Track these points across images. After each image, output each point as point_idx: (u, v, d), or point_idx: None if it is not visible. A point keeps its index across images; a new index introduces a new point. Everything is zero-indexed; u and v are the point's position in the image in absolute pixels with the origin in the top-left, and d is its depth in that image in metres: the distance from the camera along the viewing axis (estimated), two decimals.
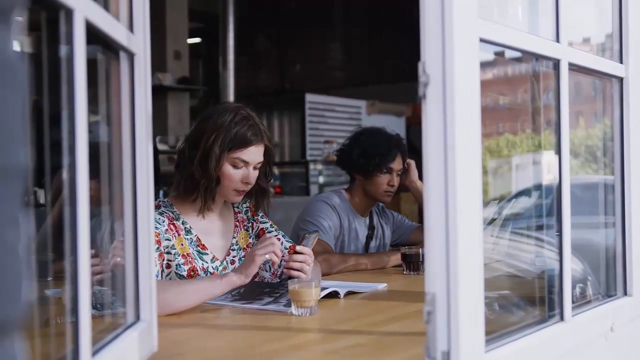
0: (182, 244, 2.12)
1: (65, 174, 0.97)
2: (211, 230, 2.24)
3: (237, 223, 2.32)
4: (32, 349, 0.78)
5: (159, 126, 7.22)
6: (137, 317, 1.31)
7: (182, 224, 2.17)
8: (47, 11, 0.96)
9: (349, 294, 2.10)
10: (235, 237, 2.29)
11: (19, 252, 0.53)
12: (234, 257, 2.27)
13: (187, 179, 2.15)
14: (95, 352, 1.04)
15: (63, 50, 0.97)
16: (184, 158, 2.15)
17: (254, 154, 2.14)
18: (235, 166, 2.13)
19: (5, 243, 0.51)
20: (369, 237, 3.02)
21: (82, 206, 0.97)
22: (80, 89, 0.97)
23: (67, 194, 0.96)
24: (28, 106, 0.57)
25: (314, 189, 6.95)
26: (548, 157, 1.80)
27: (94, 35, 1.07)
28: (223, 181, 2.14)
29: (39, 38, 0.98)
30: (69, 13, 0.96)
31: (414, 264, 2.56)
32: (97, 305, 1.28)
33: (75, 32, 0.97)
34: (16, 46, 0.57)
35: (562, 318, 1.45)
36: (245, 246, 2.30)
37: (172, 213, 2.16)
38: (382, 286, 2.27)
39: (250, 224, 2.35)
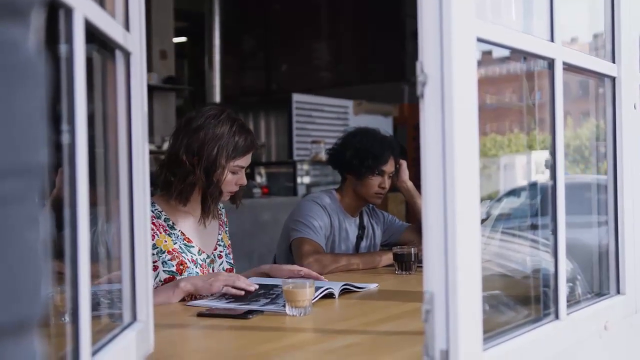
0: (165, 241, 2.15)
1: (62, 174, 0.96)
2: (196, 227, 2.27)
3: (221, 222, 2.39)
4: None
5: None
6: (134, 318, 1.31)
7: (165, 221, 2.19)
8: (45, 9, 0.95)
9: (344, 293, 2.10)
10: (220, 234, 2.36)
11: (39, 251, 0.53)
12: (220, 251, 2.33)
13: (189, 187, 2.17)
14: (94, 353, 1.04)
15: (62, 48, 0.96)
16: (184, 166, 2.15)
17: (249, 158, 2.24)
18: (234, 172, 2.21)
19: (26, 242, 0.51)
20: (360, 237, 3.02)
21: (81, 207, 0.96)
22: (79, 87, 0.97)
23: (66, 194, 0.95)
24: (47, 104, 0.56)
25: (301, 189, 6.93)
26: (537, 157, 1.80)
27: (90, 34, 1.06)
28: (222, 187, 2.21)
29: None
30: (69, 12, 0.95)
31: (406, 263, 2.56)
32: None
33: (75, 31, 0.96)
34: (35, 44, 0.56)
35: (557, 316, 1.46)
36: (227, 244, 2.39)
37: (153, 211, 2.17)
38: (374, 286, 2.27)
39: (228, 229, 2.44)
